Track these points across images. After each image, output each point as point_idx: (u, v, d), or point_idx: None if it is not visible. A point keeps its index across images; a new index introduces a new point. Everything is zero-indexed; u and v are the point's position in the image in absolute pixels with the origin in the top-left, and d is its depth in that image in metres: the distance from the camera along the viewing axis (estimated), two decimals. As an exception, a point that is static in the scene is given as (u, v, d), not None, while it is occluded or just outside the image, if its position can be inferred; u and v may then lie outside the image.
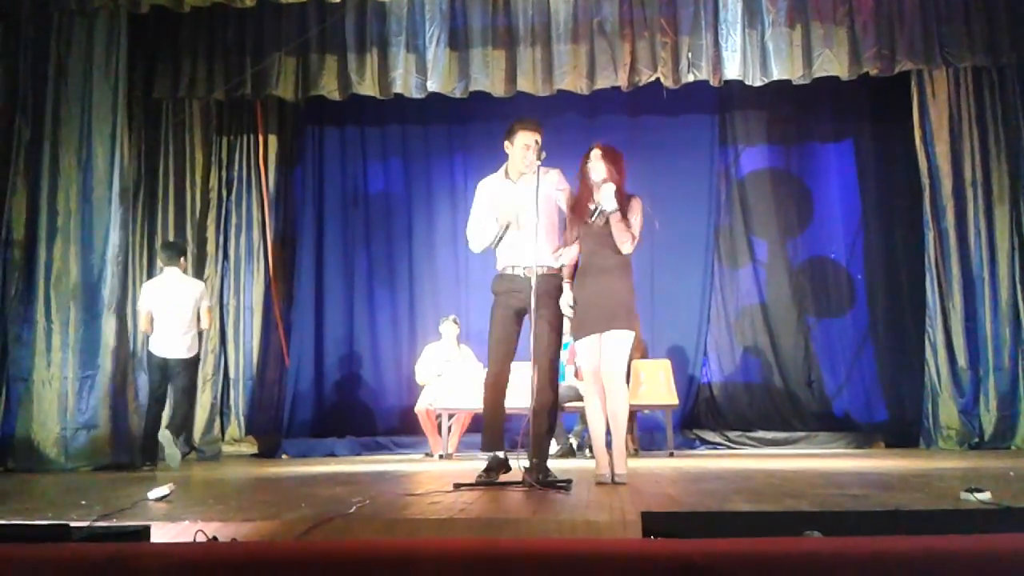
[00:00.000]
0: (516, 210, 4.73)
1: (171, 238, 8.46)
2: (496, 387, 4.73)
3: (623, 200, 4.60)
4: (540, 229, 4.62)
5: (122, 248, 7.17)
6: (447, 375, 8.29)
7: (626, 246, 4.54)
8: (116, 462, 6.83)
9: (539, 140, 4.72)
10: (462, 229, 5.69)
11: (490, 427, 4.75)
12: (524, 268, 4.66)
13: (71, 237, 7.01)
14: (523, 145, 4.71)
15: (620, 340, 4.55)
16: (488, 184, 4.92)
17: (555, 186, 4.75)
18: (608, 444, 4.66)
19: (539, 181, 4.58)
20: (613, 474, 4.52)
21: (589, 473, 5.34)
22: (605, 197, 4.55)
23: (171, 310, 7.17)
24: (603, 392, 4.58)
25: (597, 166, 4.61)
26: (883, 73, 7.78)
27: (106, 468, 6.74)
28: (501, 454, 4.69)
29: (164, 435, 6.86)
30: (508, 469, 4.70)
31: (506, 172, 4.85)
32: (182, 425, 7.31)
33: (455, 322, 8.57)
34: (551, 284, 4.67)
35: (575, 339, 4.68)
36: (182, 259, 7.49)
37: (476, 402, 7.71)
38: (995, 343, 7.72)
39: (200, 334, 7.42)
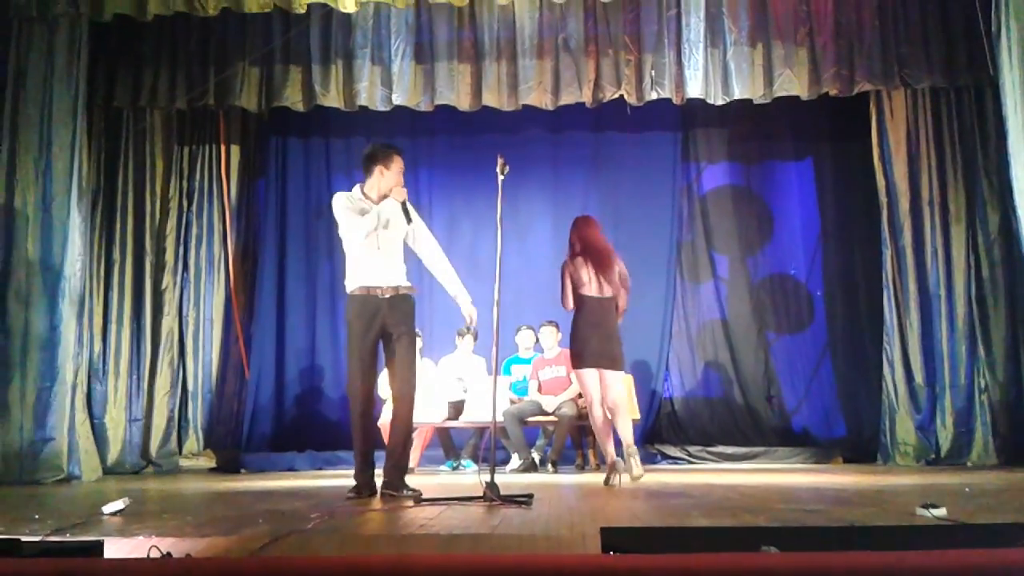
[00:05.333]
0: (380, 230, 4.86)
1: (130, 248, 8.36)
2: (371, 410, 4.90)
3: None
4: (399, 250, 4.94)
5: (81, 257, 7.08)
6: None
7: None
8: (71, 475, 6.72)
9: None
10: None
11: (369, 451, 4.83)
12: (383, 288, 4.84)
13: (29, 245, 6.89)
14: (399, 170, 4.99)
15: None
16: (348, 198, 4.97)
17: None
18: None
19: (405, 206, 4.86)
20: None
21: (551, 488, 5.35)
22: None
23: None
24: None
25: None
26: (842, 93, 7.87)
27: (62, 481, 6.62)
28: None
29: None
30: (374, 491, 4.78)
31: (363, 191, 4.98)
32: None
33: (418, 335, 8.52)
34: (408, 303, 4.91)
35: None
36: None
37: (439, 416, 7.79)
38: (951, 360, 7.82)
39: None
